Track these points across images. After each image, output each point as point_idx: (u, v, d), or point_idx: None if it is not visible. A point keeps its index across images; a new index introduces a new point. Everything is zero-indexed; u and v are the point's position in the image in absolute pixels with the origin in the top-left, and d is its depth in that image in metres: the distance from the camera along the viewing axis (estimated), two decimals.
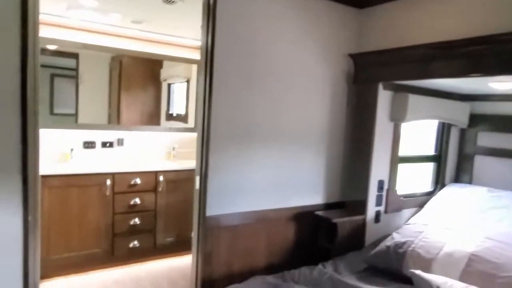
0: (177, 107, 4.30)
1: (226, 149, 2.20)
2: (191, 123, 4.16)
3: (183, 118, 4.22)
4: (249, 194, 2.33)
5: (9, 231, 1.56)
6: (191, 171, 3.63)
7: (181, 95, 4.32)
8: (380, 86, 2.52)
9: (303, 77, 2.51)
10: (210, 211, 2.14)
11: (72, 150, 3.42)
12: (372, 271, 2.25)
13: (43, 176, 2.93)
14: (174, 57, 3.99)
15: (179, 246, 3.70)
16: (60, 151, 3.42)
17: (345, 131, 2.73)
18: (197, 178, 2.13)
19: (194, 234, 2.19)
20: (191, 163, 3.84)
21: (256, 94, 2.32)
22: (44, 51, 3.32)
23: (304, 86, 2.52)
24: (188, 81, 4.23)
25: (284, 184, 2.49)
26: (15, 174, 1.58)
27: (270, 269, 2.41)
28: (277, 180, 2.46)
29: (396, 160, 2.70)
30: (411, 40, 2.30)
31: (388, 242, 2.31)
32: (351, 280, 2.09)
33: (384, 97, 2.55)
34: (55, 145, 3.40)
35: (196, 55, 4.06)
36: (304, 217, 2.59)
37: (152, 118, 4.09)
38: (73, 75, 3.59)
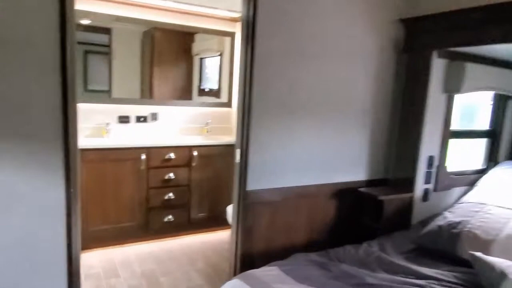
0: (210, 82, 4.20)
1: (267, 123, 2.10)
2: (224, 98, 4.06)
3: (215, 93, 4.13)
4: (290, 169, 2.23)
5: (54, 203, 1.56)
6: (224, 147, 3.58)
7: (213, 69, 4.21)
8: (434, 54, 2.30)
9: (347, 48, 2.33)
10: (250, 186, 2.06)
11: (107, 124, 3.41)
12: (420, 251, 2.11)
13: (80, 150, 2.93)
14: (208, 29, 3.87)
15: (212, 222, 3.68)
16: (96, 126, 3.42)
17: (392, 104, 2.55)
18: (238, 152, 2.03)
19: (233, 209, 2.12)
20: (224, 138, 3.78)
21: (299, 66, 2.18)
22: (78, 26, 3.25)
23: (349, 57, 2.35)
24: (221, 55, 4.11)
25: (326, 159, 2.37)
26: (58, 147, 1.55)
27: (310, 246, 2.32)
28: (319, 155, 2.34)
29: (447, 135, 2.51)
30: (471, 1, 2.07)
31: (440, 221, 2.16)
32: (399, 260, 1.96)
33: (438, 66, 2.34)
34: (91, 120, 3.40)
35: (230, 27, 3.92)
36: (346, 194, 2.47)
37: (184, 93, 4.03)
38: (105, 51, 3.55)
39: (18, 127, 1.46)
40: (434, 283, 1.72)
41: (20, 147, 1.46)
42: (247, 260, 2.10)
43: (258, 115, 2.05)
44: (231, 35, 3.95)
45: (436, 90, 2.37)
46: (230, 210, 3.01)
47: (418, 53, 2.37)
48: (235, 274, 2.11)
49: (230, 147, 3.61)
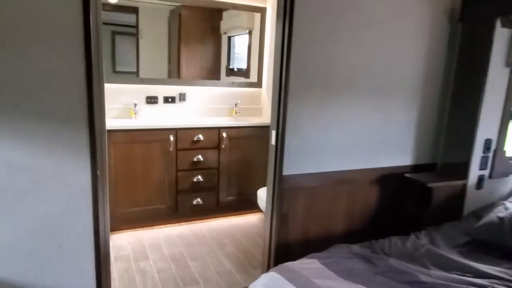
0: (238, 62, 4.02)
1: (305, 102, 1.90)
2: (253, 77, 3.87)
3: (244, 73, 3.95)
4: (329, 153, 2.04)
5: (79, 187, 1.46)
6: (254, 128, 3.43)
7: (242, 48, 4.02)
8: (497, 23, 2.01)
9: (395, 18, 2.07)
10: (287, 170, 1.89)
11: (135, 105, 3.32)
12: (476, 245, 1.89)
13: (108, 131, 2.85)
14: (237, 5, 3.65)
15: (241, 205, 3.57)
16: (124, 107, 3.33)
17: (443, 81, 2.28)
18: (273, 133, 1.86)
19: (268, 195, 1.97)
20: (254, 120, 3.62)
21: (341, 40, 1.96)
22: (105, 5, 3.17)
23: (396, 29, 2.09)
24: (250, 33, 3.90)
25: (369, 142, 2.16)
26: (82, 127, 1.44)
27: (349, 237, 2.15)
28: (361, 138, 2.13)
29: (508, 115, 2.23)
30: None
31: (500, 213, 1.92)
32: (453, 255, 1.76)
33: (501, 36, 2.05)
34: (118, 100, 3.31)
35: (261, 2, 3.70)
36: (389, 180, 2.27)
37: (212, 73, 3.87)
38: (133, 32, 3.45)
39: (40, 105, 1.35)
40: (497, 283, 1.52)
41: (41, 127, 1.35)
42: (282, 249, 1.95)
43: (296, 94, 1.86)
44: (262, 10, 3.72)
45: (497, 64, 2.09)
46: (261, 193, 2.88)
47: (478, 23, 2.08)
48: (269, 264, 1.98)
49: (260, 129, 3.45)
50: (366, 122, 2.13)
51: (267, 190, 1.98)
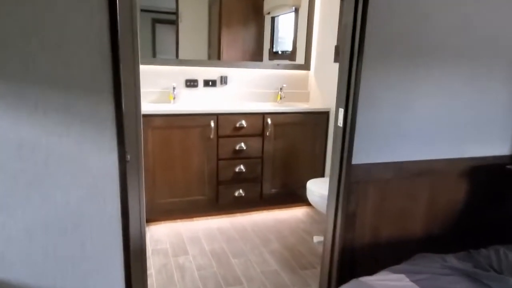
0: (283, 44, 3.71)
1: (382, 74, 1.53)
2: (300, 59, 3.54)
3: (289, 56, 3.63)
4: (409, 138, 1.66)
5: (103, 171, 1.18)
6: (302, 114, 3.11)
7: (287, 28, 3.70)
8: None
9: None
10: (357, 159, 1.54)
11: (174, 89, 3.11)
12: None
13: (146, 116, 2.68)
14: None
15: (287, 198, 3.29)
16: (162, 91, 3.14)
17: None
18: (341, 112, 1.52)
19: (331, 188, 1.65)
20: (301, 105, 3.31)
21: None
22: None
23: None
24: (296, 10, 3.57)
25: (459, 125, 1.76)
26: (106, 99, 1.13)
27: (429, 241, 1.78)
28: (450, 119, 1.73)
29: None
30: None
31: None
32: None
33: None
34: (157, 84, 3.12)
35: None
36: (483, 172, 1.86)
37: (254, 57, 3.60)
38: (173, 19, 3.28)
39: (53, 68, 1.08)
40: None
41: (56, 96, 1.09)
42: (347, 255, 1.62)
43: (371, 62, 1.49)
44: None
45: None
46: (311, 186, 2.58)
47: None
48: (330, 272, 1.66)
49: (308, 115, 3.14)
50: (456, 100, 1.72)
51: (330, 183, 1.66)
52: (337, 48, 3.07)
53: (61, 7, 1.04)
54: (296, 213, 3.31)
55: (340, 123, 1.49)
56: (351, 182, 1.52)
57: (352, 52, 1.42)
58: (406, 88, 1.59)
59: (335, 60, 3.08)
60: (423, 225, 1.77)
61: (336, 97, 1.54)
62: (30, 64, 1.05)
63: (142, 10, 3.16)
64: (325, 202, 2.50)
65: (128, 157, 1.20)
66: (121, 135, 1.10)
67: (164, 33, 3.39)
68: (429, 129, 1.69)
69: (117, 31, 1.07)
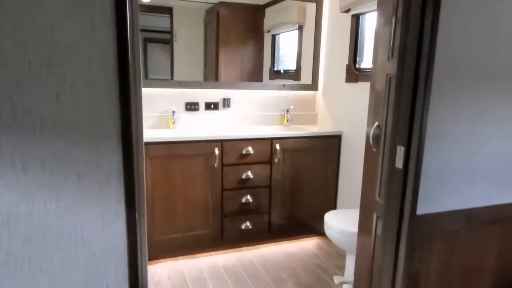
0: (284, 62, 3.52)
1: (451, 105, 1.24)
2: (306, 79, 3.34)
3: (293, 75, 3.43)
4: (481, 179, 1.39)
5: (107, 245, 0.89)
6: (311, 139, 2.89)
7: (290, 47, 3.51)
8: None
9: None
10: (421, 208, 1.26)
11: (173, 113, 2.86)
12: None
13: (146, 144, 2.41)
14: None
15: (296, 229, 3.04)
16: (160, 115, 2.89)
17: None
18: (400, 151, 1.25)
19: (386, 241, 1.35)
20: (310, 129, 3.09)
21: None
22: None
23: None
24: (300, 28, 3.39)
25: None
26: (112, 146, 0.84)
27: None
28: None
29: None
30: None
31: None
32: None
33: None
34: (154, 107, 2.87)
35: None
36: None
37: (254, 76, 3.39)
38: (166, 38, 3.09)
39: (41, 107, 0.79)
40: None
41: (46, 152, 0.80)
42: None
43: (440, 91, 1.21)
44: (317, 0, 3.20)
45: None
46: (329, 220, 2.33)
47: None
48: None
49: (318, 140, 2.91)
50: None
51: (385, 236, 1.35)
52: (349, 68, 2.87)
53: (48, 18, 0.77)
54: (307, 245, 3.04)
55: (400, 164, 1.21)
56: (415, 237, 1.25)
57: (417, 80, 1.15)
58: (480, 122, 1.33)
59: (347, 80, 2.88)
60: (493, 283, 1.49)
61: (392, 132, 1.27)
62: (4, 101, 0.77)
63: None
64: (347, 238, 2.25)
65: (136, 215, 0.93)
66: (131, 194, 0.82)
67: (156, 52, 3.18)
68: (505, 169, 1.42)
69: (127, 52, 0.82)
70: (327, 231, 2.34)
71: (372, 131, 1.75)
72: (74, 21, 0.74)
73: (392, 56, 1.65)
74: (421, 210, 1.18)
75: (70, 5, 0.74)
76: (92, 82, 0.76)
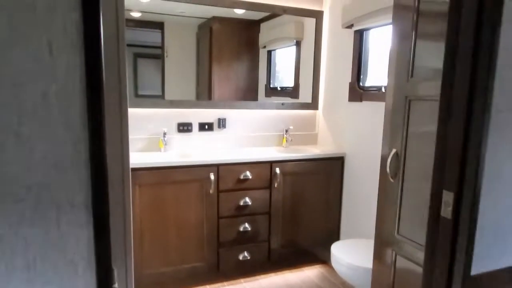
0: (281, 79, 3.36)
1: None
2: (304, 97, 3.17)
3: (291, 93, 3.27)
4: None
5: None
6: (314, 161, 2.70)
7: (287, 63, 3.36)
8: None
9: None
10: (475, 267, 1.00)
11: (164, 134, 2.65)
12: None
13: (132, 170, 2.20)
14: (287, 8, 3.00)
15: (298, 257, 2.83)
16: (150, 137, 2.67)
17: None
18: (448, 197, 0.97)
19: None
20: (311, 150, 2.90)
21: None
22: (127, 22, 2.67)
23: None
24: (298, 44, 3.24)
25: None
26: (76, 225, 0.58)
27: None
28: None
29: None
30: None
31: None
32: None
33: None
34: (144, 129, 2.66)
35: (316, 5, 3.05)
36: None
37: (249, 94, 3.22)
38: (156, 53, 2.93)
39: None
40: None
41: None
42: None
43: (503, 122, 0.95)
44: (317, 15, 3.06)
45: None
46: (337, 253, 2.12)
47: None
48: None
49: (320, 162, 2.73)
50: None
51: None
52: (352, 86, 2.71)
53: None
54: (309, 274, 2.82)
55: (447, 213, 0.96)
56: None
57: (470, 109, 0.90)
58: None
59: (351, 99, 2.72)
60: None
61: (436, 173, 0.99)
62: None
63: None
64: (356, 273, 2.05)
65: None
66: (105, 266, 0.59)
67: (146, 68, 3.00)
68: None
69: (99, 84, 0.58)
70: (335, 264, 2.14)
71: (389, 160, 1.57)
72: (22, 46, 0.52)
73: (411, 76, 1.49)
74: (475, 269, 0.96)
75: (18, 23, 0.52)
76: (48, 128, 0.53)
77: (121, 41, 1.06)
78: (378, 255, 1.71)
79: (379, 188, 1.71)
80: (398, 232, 1.58)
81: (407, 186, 1.53)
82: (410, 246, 1.51)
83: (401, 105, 1.53)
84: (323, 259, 2.89)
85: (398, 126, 1.55)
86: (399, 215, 1.58)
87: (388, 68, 1.61)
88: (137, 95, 2.92)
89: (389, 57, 1.60)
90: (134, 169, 2.22)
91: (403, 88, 1.52)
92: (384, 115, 1.65)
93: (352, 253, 2.10)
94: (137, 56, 2.97)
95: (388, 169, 1.57)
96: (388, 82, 1.62)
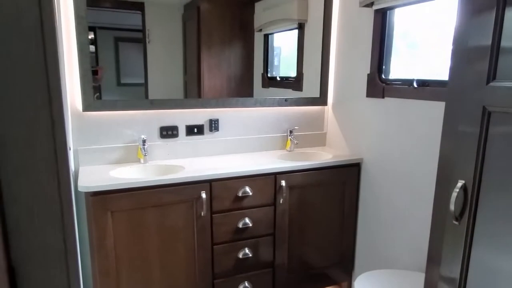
0: (282, 68, 2.87)
1: None
2: (310, 90, 2.68)
3: (293, 84, 2.78)
4: None
5: None
6: (326, 170, 2.23)
7: (288, 49, 2.87)
8: None
9: None
10: None
11: (144, 142, 2.15)
12: None
13: (103, 193, 1.73)
14: None
15: (307, 283, 2.40)
16: (127, 145, 2.18)
17: None
18: None
19: None
20: (320, 155, 2.44)
21: None
22: (104, 2, 2.24)
23: None
24: (301, 26, 2.73)
25: None
26: None
27: None
28: None
29: None
30: None
31: None
32: None
33: None
34: (119, 135, 2.16)
35: None
36: None
37: (243, 85, 2.73)
38: (138, 38, 2.43)
39: None
40: None
41: None
42: None
43: None
44: None
45: None
46: (360, 285, 1.69)
47: None
48: None
49: (333, 170, 2.28)
50: None
51: None
52: (372, 78, 2.23)
53: None
54: None
55: None
56: None
57: None
58: None
59: (370, 94, 2.25)
60: None
61: None
62: None
63: (102, 28, 2.28)
64: None
65: None
66: None
67: (129, 53, 2.51)
68: None
69: None
70: None
71: (455, 197, 1.11)
72: None
73: (494, 78, 1.02)
74: None
75: None
76: None
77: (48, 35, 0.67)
78: None
79: (432, 225, 1.26)
80: None
81: (482, 232, 1.08)
82: None
83: (473, 118, 1.06)
84: (336, 280, 2.48)
85: (469, 148, 1.09)
86: (467, 268, 1.13)
87: (451, 62, 1.14)
88: (119, 84, 2.44)
89: (453, 45, 1.12)
90: (105, 192, 1.74)
91: (478, 93, 1.05)
92: (442, 130, 1.19)
93: None
94: (118, 40, 2.48)
95: (452, 207, 1.11)
96: (449, 81, 1.15)
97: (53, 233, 0.92)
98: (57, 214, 0.93)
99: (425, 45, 2.07)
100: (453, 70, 1.14)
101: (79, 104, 2.03)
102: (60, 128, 0.72)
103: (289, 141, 2.53)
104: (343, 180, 2.33)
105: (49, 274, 0.98)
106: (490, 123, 1.03)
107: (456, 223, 1.13)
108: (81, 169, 2.00)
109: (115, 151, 2.14)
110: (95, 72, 2.15)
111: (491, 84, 1.02)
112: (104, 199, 1.75)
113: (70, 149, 1.94)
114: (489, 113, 1.03)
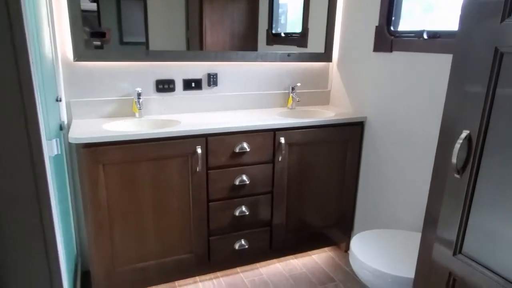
0: (286, 24, 2.71)
1: None
2: (314, 46, 2.54)
3: (298, 40, 2.63)
4: None
5: None
6: (327, 127, 2.15)
7: (293, 3, 2.70)
8: None
9: None
10: None
11: (139, 95, 2.08)
12: None
13: (96, 145, 1.68)
14: None
15: (305, 243, 2.39)
16: (121, 99, 2.11)
17: None
18: None
19: None
20: (322, 112, 2.35)
21: None
22: None
23: None
24: None
25: None
26: None
27: None
28: None
29: None
30: None
31: None
32: None
33: None
34: (114, 88, 2.09)
35: None
36: None
37: (247, 41, 2.59)
38: None
39: None
40: None
41: None
42: None
43: None
44: None
45: None
46: (359, 253, 1.66)
47: None
48: None
49: (335, 128, 2.19)
50: None
51: None
52: (380, 30, 2.09)
53: None
54: (317, 260, 2.41)
55: None
56: None
57: None
58: None
59: (377, 48, 2.11)
60: None
61: None
62: None
63: None
64: (384, 283, 1.60)
65: None
66: None
67: (131, 10, 2.38)
68: None
69: None
70: (356, 268, 1.67)
71: (458, 146, 1.03)
72: None
73: (509, 15, 0.91)
74: None
75: None
76: None
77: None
78: (424, 276, 1.23)
79: (432, 180, 1.18)
80: (460, 251, 1.09)
81: (484, 187, 1.01)
82: (480, 274, 1.02)
83: (484, 60, 0.96)
84: (334, 241, 2.46)
85: (475, 95, 0.99)
86: (465, 226, 1.07)
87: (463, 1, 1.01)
88: (122, 42, 2.33)
89: None
90: (99, 144, 1.69)
91: (490, 33, 0.94)
92: (450, 75, 1.08)
93: (380, 256, 1.63)
94: None
95: (454, 160, 1.03)
96: (460, 20, 1.03)
97: (23, 178, 0.88)
98: (26, 157, 0.87)
99: None
100: (465, 8, 1.02)
101: (70, 54, 1.94)
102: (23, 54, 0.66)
103: (290, 99, 2.43)
104: (346, 138, 2.25)
105: (20, 218, 0.95)
106: (502, 66, 0.93)
107: (458, 176, 1.06)
108: (73, 122, 1.95)
109: (109, 104, 2.07)
110: (103, 35, 2.07)
111: (506, 21, 0.90)
112: (95, 151, 1.71)
113: (60, 100, 1.88)
114: (502, 54, 0.92)
